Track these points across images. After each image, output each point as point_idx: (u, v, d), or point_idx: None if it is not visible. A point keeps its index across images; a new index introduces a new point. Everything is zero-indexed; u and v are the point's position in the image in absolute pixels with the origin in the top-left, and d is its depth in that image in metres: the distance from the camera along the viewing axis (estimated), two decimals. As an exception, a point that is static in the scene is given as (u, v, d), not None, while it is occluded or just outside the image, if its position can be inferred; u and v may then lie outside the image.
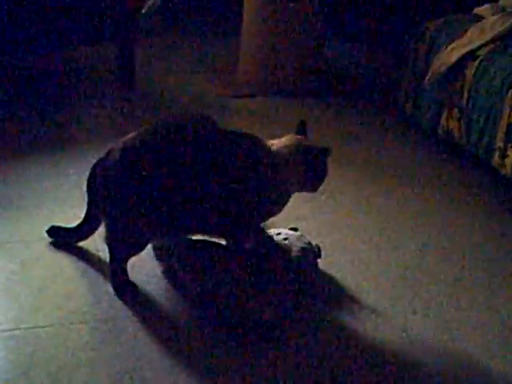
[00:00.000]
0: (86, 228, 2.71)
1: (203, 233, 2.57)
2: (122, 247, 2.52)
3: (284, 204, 2.57)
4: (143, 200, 2.39)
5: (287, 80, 4.58)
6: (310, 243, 2.67)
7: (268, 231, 2.68)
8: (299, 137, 2.58)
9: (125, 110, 4.19)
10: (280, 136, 2.59)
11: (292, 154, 2.50)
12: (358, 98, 4.60)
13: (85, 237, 2.75)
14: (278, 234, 2.68)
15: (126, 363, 2.22)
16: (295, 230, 2.76)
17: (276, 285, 2.45)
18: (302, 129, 2.63)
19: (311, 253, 2.64)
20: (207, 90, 4.56)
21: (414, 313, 2.56)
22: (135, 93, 4.39)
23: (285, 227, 2.76)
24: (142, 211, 2.41)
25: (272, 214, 2.58)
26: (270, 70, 4.57)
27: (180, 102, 4.33)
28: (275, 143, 2.53)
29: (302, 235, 2.70)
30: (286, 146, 2.51)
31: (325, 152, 2.53)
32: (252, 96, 4.52)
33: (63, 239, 2.79)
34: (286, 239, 2.64)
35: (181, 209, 2.42)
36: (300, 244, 2.63)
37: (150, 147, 2.41)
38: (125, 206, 2.42)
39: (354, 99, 4.56)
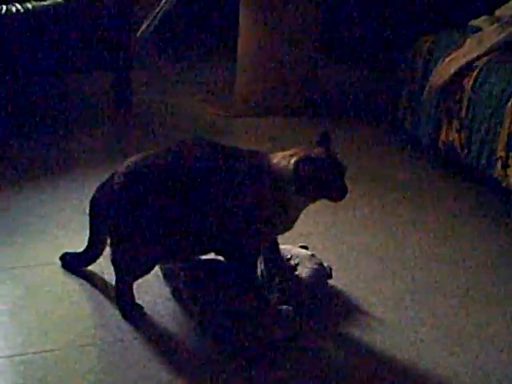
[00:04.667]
0: (92, 252, 2.70)
1: (210, 252, 2.56)
2: (129, 269, 2.51)
3: (293, 220, 2.51)
4: (149, 222, 2.39)
5: (284, 100, 4.59)
6: (321, 264, 2.66)
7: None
8: (307, 147, 2.47)
9: (123, 135, 4.20)
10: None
11: (290, 166, 2.38)
12: (356, 116, 4.60)
13: (92, 261, 2.73)
14: (290, 256, 2.67)
15: (135, 385, 2.22)
16: (305, 248, 2.75)
17: (285, 304, 2.45)
18: (323, 140, 2.49)
19: (322, 274, 2.63)
20: (205, 111, 4.57)
21: (422, 325, 2.55)
22: (133, 116, 4.39)
23: (293, 244, 2.75)
24: (148, 233, 2.41)
25: (281, 228, 2.53)
26: (268, 89, 4.58)
27: (178, 123, 4.33)
28: (279, 155, 2.45)
29: (313, 255, 2.69)
30: (285, 158, 2.41)
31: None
32: (250, 116, 4.52)
33: (74, 264, 2.77)
34: (297, 264, 2.63)
35: (187, 230, 2.42)
36: (311, 265, 2.62)
37: (155, 169, 2.41)
38: (130, 227, 2.42)
39: (352, 117, 4.56)
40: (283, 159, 2.42)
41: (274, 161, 2.44)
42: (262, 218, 2.43)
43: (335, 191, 2.42)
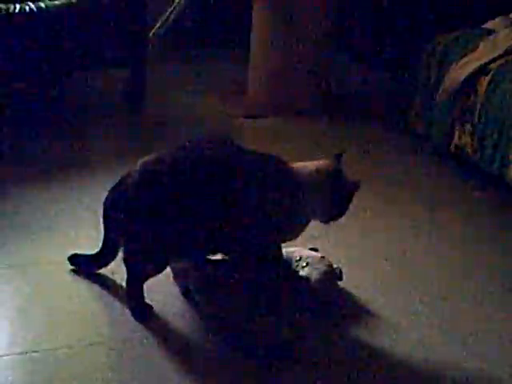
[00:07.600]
0: (105, 255, 2.68)
1: (221, 253, 2.56)
2: (141, 268, 2.51)
3: (301, 229, 2.53)
4: (162, 220, 2.40)
5: (297, 100, 4.58)
6: (331, 265, 2.65)
7: (288, 252, 2.67)
8: (326, 162, 2.51)
9: (135, 134, 4.20)
10: (295, 155, 2.58)
11: (311, 178, 2.44)
12: (367, 117, 4.59)
13: (104, 264, 2.72)
14: (300, 258, 2.66)
15: (144, 384, 2.22)
16: (316, 250, 2.75)
17: (293, 304, 2.45)
18: (336, 160, 2.55)
19: (332, 275, 2.63)
20: (218, 111, 4.57)
21: (431, 328, 2.54)
22: (146, 116, 4.39)
23: (303, 247, 2.75)
24: (161, 231, 2.41)
25: (288, 237, 2.56)
26: (280, 89, 4.57)
27: (190, 123, 4.33)
28: (298, 165, 2.47)
29: (323, 257, 2.68)
30: (306, 170, 2.45)
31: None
32: (263, 116, 4.52)
33: (84, 267, 2.76)
34: (306, 265, 2.63)
35: (199, 229, 2.41)
36: (321, 267, 2.62)
37: (170, 168, 2.41)
38: (143, 225, 2.42)
39: (363, 118, 4.55)
40: (303, 169, 2.45)
41: (295, 168, 2.46)
42: (272, 224, 2.43)
43: (338, 212, 2.53)
